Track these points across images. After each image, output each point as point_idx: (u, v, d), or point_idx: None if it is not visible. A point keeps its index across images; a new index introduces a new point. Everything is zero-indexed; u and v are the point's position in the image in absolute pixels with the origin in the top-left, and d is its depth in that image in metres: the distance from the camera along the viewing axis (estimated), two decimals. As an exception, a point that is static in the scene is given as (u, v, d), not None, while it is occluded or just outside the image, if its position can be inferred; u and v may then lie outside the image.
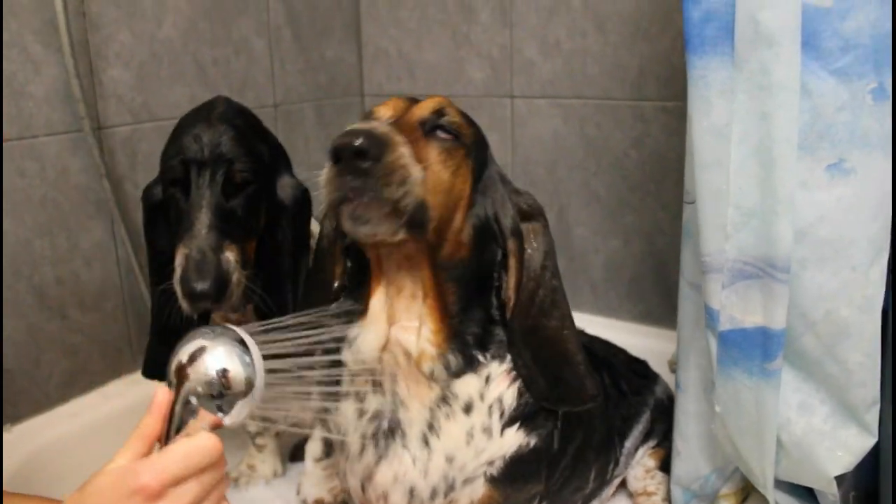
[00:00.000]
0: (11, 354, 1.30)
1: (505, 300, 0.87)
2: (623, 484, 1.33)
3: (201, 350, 0.70)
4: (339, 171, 0.71)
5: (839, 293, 0.88)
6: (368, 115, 0.87)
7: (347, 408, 0.93)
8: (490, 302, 0.86)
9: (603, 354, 1.30)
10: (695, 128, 0.90)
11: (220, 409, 0.70)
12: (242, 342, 0.72)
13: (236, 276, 1.01)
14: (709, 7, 0.86)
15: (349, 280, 0.91)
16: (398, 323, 0.85)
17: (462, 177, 0.82)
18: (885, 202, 0.85)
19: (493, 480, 0.90)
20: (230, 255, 1.01)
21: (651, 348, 1.47)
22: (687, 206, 1.03)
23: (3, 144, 1.24)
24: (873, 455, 0.95)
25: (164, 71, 1.47)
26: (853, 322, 0.88)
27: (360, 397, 0.92)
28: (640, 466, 1.31)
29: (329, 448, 1.13)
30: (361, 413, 0.92)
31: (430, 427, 0.87)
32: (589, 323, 1.40)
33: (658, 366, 1.41)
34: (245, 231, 1.05)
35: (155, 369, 1.18)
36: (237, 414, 0.71)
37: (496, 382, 0.88)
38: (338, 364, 0.87)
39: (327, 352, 0.84)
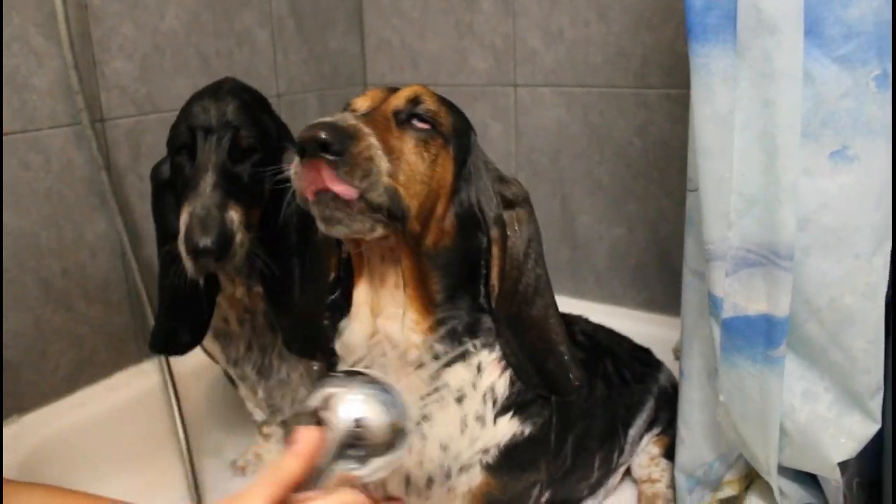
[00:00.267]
0: (18, 346, 1.31)
1: (491, 289, 0.86)
2: (628, 471, 1.34)
3: (362, 400, 0.66)
4: (306, 167, 0.70)
5: (843, 281, 0.88)
6: (346, 107, 0.86)
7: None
8: (478, 290, 0.86)
9: (607, 343, 1.31)
10: (697, 116, 0.90)
11: (361, 462, 0.66)
12: (386, 391, 0.68)
13: (240, 236, 1.02)
14: (711, -6, 0.86)
15: (344, 270, 0.91)
16: (383, 313, 0.84)
17: (442, 166, 0.80)
18: (888, 189, 0.85)
19: (489, 468, 0.90)
20: (234, 215, 1.02)
21: (655, 336, 1.47)
22: (690, 193, 1.02)
23: (6, 138, 1.24)
24: (877, 442, 0.95)
25: (168, 62, 1.47)
26: (857, 309, 0.88)
27: None
28: (644, 454, 1.32)
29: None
30: None
31: (424, 416, 0.87)
32: (593, 311, 1.41)
33: (662, 353, 1.41)
34: (250, 197, 1.06)
35: (163, 343, 1.19)
36: (378, 469, 0.67)
37: (488, 371, 0.88)
38: None
39: None
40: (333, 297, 0.91)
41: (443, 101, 0.85)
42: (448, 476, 0.90)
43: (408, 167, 0.76)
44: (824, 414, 0.95)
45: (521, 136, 1.76)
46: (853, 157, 0.83)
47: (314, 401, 0.68)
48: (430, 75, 1.85)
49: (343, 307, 0.88)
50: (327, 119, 0.72)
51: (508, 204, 0.87)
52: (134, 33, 1.42)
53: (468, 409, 0.88)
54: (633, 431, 1.29)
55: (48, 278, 1.34)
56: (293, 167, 0.73)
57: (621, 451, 1.28)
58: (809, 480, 1.03)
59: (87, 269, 1.40)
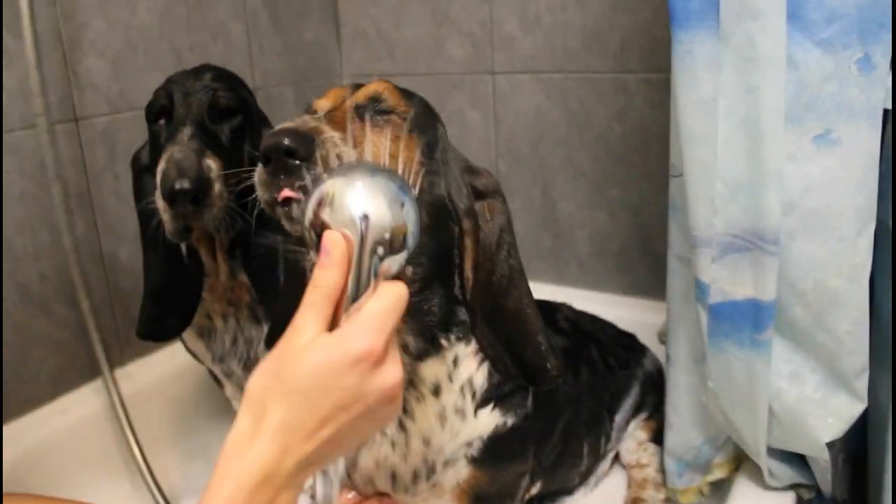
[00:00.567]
0: (-3, 353, 1.29)
1: (465, 280, 0.86)
2: (618, 457, 1.35)
3: (390, 195, 0.62)
4: (270, 172, 0.69)
5: (827, 263, 0.88)
6: (308, 108, 0.86)
7: None
8: (452, 281, 0.85)
9: (591, 329, 1.31)
10: (681, 102, 0.90)
11: (382, 256, 0.62)
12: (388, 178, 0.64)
13: (218, 186, 1.00)
14: (693, -19, 0.86)
15: None
16: None
17: (407, 150, 0.80)
18: (871, 172, 0.85)
19: (474, 462, 0.90)
20: (212, 164, 1.01)
21: (640, 320, 1.48)
22: (673, 179, 1.03)
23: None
24: (861, 418, 0.96)
25: (141, 59, 1.45)
26: (842, 292, 0.89)
27: None
28: (632, 439, 1.33)
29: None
30: None
31: (404, 411, 0.87)
32: (576, 297, 1.41)
33: (647, 338, 1.42)
34: (229, 157, 1.05)
35: (151, 329, 1.18)
36: (398, 263, 0.64)
37: (465, 364, 0.87)
38: None
39: None
40: None
41: (406, 95, 0.84)
42: (433, 471, 0.90)
43: (371, 155, 0.76)
44: (811, 395, 0.96)
45: (500, 124, 1.75)
46: (836, 140, 0.84)
47: (314, 198, 0.63)
48: (407, 64, 1.83)
49: None
50: (289, 125, 0.71)
51: (480, 195, 0.86)
52: (105, 29, 1.39)
53: (446, 402, 0.87)
54: (619, 417, 1.30)
55: (25, 283, 1.32)
56: (257, 175, 0.71)
57: (608, 438, 1.29)
58: (798, 461, 1.04)
59: (64, 273, 1.37)
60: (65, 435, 1.33)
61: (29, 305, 1.32)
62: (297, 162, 0.68)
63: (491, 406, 0.90)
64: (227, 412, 1.43)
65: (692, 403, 1.10)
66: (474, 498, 0.93)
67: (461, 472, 0.90)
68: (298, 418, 0.59)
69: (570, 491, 1.27)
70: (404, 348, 0.83)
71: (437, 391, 0.87)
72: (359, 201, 0.61)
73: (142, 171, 1.13)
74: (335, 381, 0.59)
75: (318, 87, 1.86)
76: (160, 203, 1.00)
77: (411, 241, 0.64)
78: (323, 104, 0.84)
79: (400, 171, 0.70)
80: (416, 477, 0.90)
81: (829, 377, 0.95)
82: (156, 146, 1.07)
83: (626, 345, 1.37)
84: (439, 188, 0.82)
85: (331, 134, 0.72)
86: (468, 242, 0.83)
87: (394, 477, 0.90)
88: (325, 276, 0.62)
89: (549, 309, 1.24)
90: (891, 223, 0.88)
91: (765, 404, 0.96)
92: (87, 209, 1.39)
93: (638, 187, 1.62)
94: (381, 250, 0.62)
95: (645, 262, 1.66)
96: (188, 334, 1.23)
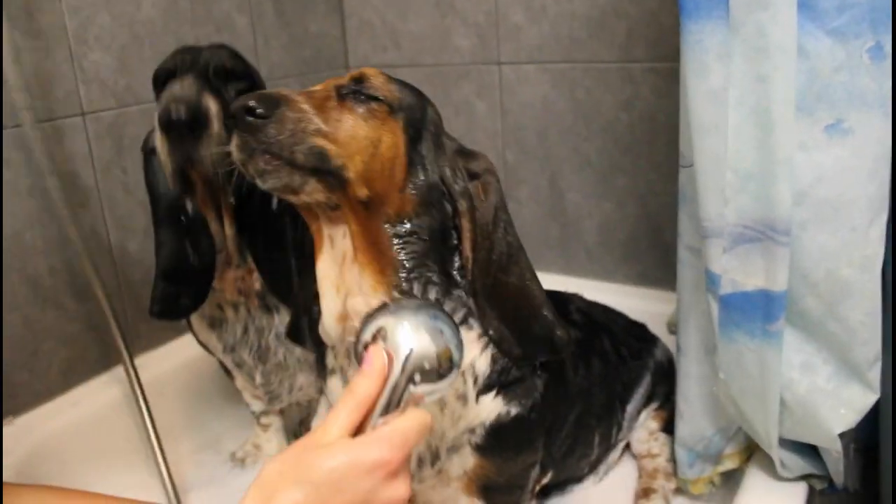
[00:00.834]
0: (9, 347, 1.29)
1: (465, 261, 0.86)
2: (628, 447, 1.35)
3: (434, 328, 0.70)
4: (237, 134, 0.75)
5: (839, 253, 0.88)
6: None
7: (334, 384, 0.93)
8: (450, 264, 0.86)
9: (602, 320, 1.31)
10: (691, 93, 0.89)
11: (418, 385, 0.69)
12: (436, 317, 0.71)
13: (217, 126, 1.00)
14: (702, -30, 0.85)
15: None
16: (350, 291, 0.84)
17: (389, 133, 0.81)
18: (883, 162, 0.85)
19: (479, 449, 0.90)
20: (212, 105, 1.01)
21: (648, 310, 1.48)
22: (683, 169, 1.02)
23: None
24: (873, 409, 0.96)
25: (147, 53, 1.44)
26: (854, 281, 0.88)
27: (343, 372, 0.92)
28: (643, 429, 1.33)
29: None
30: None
31: None
32: (585, 287, 1.41)
33: (656, 327, 1.41)
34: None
35: (164, 309, 1.18)
36: (434, 392, 0.70)
37: (466, 349, 0.87)
38: None
39: None
40: None
41: (391, 80, 0.85)
42: (437, 456, 0.90)
43: (348, 130, 0.79)
44: (823, 386, 0.95)
45: (506, 114, 1.74)
46: (848, 130, 0.83)
47: (367, 335, 0.71)
48: (413, 55, 1.83)
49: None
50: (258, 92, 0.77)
51: (473, 175, 0.87)
52: (110, 24, 1.39)
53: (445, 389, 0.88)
54: (630, 407, 1.30)
55: (35, 277, 1.32)
56: (231, 141, 0.76)
57: (619, 428, 1.29)
58: (810, 451, 1.04)
59: (74, 267, 1.38)
60: (76, 427, 1.34)
61: (39, 299, 1.33)
62: (260, 120, 0.73)
63: (494, 393, 0.89)
64: (237, 404, 1.43)
65: (703, 393, 1.10)
66: (482, 488, 0.94)
67: (467, 460, 0.91)
68: (286, 493, 0.61)
69: (578, 479, 1.28)
70: None
71: None
72: (407, 338, 0.70)
73: (151, 152, 1.12)
74: (348, 483, 0.62)
75: (323, 79, 1.84)
76: (158, 140, 1.00)
77: (453, 366, 0.71)
78: (315, 89, 0.85)
79: (379, 160, 0.79)
80: (420, 463, 0.90)
81: (841, 367, 0.94)
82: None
83: (637, 335, 1.36)
84: (431, 169, 0.84)
85: (299, 101, 0.76)
86: (465, 223, 0.85)
87: None
88: (363, 385, 0.67)
89: (560, 300, 1.24)
90: (903, 212, 0.88)
91: (776, 395, 0.96)
92: (96, 203, 1.39)
93: (645, 177, 1.62)
94: (417, 377, 0.68)
95: (653, 252, 1.66)
96: (199, 326, 1.23)
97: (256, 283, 1.17)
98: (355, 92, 0.82)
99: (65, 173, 1.34)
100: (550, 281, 1.49)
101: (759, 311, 0.93)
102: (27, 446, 1.26)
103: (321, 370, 0.96)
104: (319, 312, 0.86)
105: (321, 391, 1.22)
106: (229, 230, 1.14)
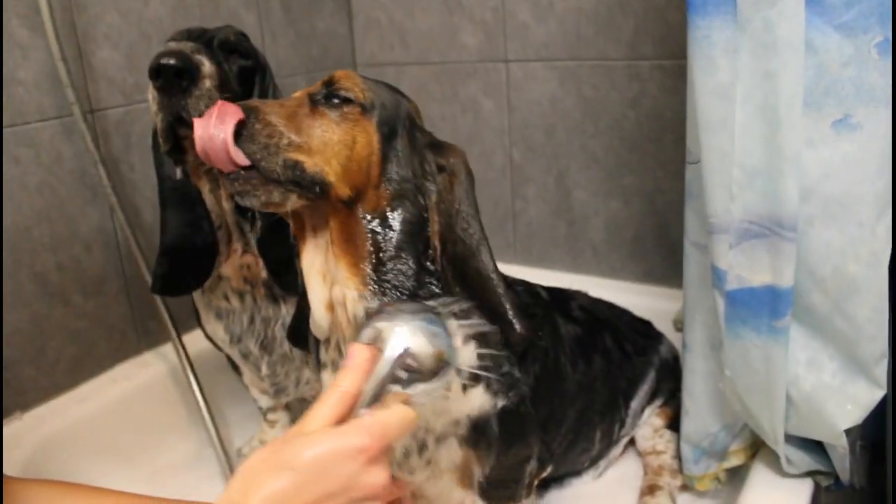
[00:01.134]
0: (16, 343, 1.30)
1: (433, 254, 0.88)
2: (632, 443, 1.35)
3: (429, 330, 0.71)
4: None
5: (846, 249, 0.88)
6: None
7: (327, 378, 0.94)
8: (426, 256, 0.87)
9: (606, 317, 1.31)
10: (698, 89, 0.89)
11: (407, 385, 0.71)
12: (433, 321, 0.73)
13: (209, 84, 1.00)
14: (710, -34, 0.85)
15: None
16: (336, 279, 0.85)
17: (363, 133, 0.83)
18: (891, 157, 0.85)
19: (466, 442, 0.91)
20: (206, 67, 1.01)
21: (655, 307, 1.47)
22: (689, 166, 1.02)
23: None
24: (879, 405, 0.96)
25: (154, 50, 1.44)
26: (861, 278, 0.88)
27: (335, 366, 0.93)
28: (647, 426, 1.33)
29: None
30: None
31: None
32: (591, 285, 1.41)
33: (662, 325, 1.41)
34: (227, 83, 1.05)
35: (166, 285, 1.19)
36: (424, 394, 0.71)
37: None
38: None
39: None
40: None
41: (363, 80, 0.87)
42: (424, 447, 0.90)
43: (321, 136, 0.80)
44: (829, 382, 0.95)
45: (513, 111, 1.74)
46: (856, 125, 0.83)
47: (365, 336, 0.72)
48: (420, 53, 1.83)
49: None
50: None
51: (442, 169, 0.88)
52: (119, 21, 1.39)
53: None
54: (634, 403, 1.30)
55: (43, 273, 1.33)
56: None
57: (623, 424, 1.29)
58: (815, 447, 1.03)
59: (82, 263, 1.38)
60: (83, 423, 1.34)
61: (47, 295, 1.34)
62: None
63: (481, 386, 0.90)
64: (245, 400, 1.44)
65: (709, 390, 1.10)
66: (476, 482, 0.94)
67: (455, 452, 0.91)
68: (286, 493, 0.62)
69: (577, 473, 1.28)
70: (367, 313, 0.84)
71: None
72: (400, 338, 0.71)
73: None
74: (329, 468, 0.63)
75: (330, 77, 1.85)
76: (150, 94, 1.01)
77: (446, 367, 0.72)
78: (287, 99, 0.87)
79: (356, 160, 0.82)
80: (407, 453, 0.91)
81: (847, 364, 0.94)
82: None
83: (642, 331, 1.36)
84: (402, 164, 0.85)
85: (268, 112, 0.78)
86: (433, 216, 0.86)
87: None
88: (345, 378, 0.69)
89: (563, 297, 1.24)
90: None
91: (782, 391, 0.96)
92: (103, 200, 1.40)
93: (652, 174, 1.61)
94: (408, 377, 0.70)
95: (659, 250, 1.66)
96: (206, 318, 1.24)
97: (263, 271, 1.17)
98: (327, 96, 0.83)
99: (75, 170, 1.35)
100: (557, 278, 1.50)
101: (765, 307, 0.93)
102: (34, 442, 1.27)
103: (317, 366, 0.97)
104: (308, 304, 0.88)
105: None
106: (226, 203, 1.14)
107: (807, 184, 0.86)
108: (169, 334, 1.39)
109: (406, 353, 0.70)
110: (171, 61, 0.96)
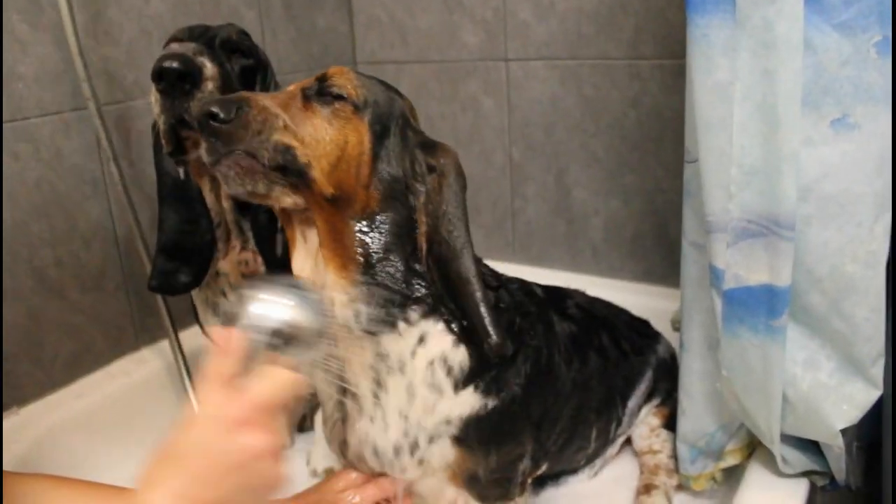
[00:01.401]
0: (13, 338, 1.30)
1: (419, 251, 0.87)
2: (629, 442, 1.35)
3: (276, 299, 0.73)
4: (204, 139, 0.77)
5: (844, 249, 0.88)
6: None
7: (319, 374, 0.94)
8: (415, 257, 0.87)
9: (603, 315, 1.31)
10: (697, 87, 0.89)
11: (278, 351, 0.73)
12: (314, 300, 0.75)
13: (211, 85, 1.01)
14: (708, -36, 0.85)
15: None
16: (324, 284, 0.85)
17: (354, 131, 0.83)
18: (889, 157, 0.84)
19: (458, 441, 0.91)
20: (208, 68, 1.01)
21: (654, 307, 1.47)
22: (688, 165, 1.02)
23: (-5, 127, 1.23)
24: (876, 406, 0.95)
25: (155, 47, 1.45)
26: (858, 278, 0.88)
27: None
28: (644, 425, 1.32)
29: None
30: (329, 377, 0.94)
31: (378, 383, 0.89)
32: (590, 284, 1.41)
33: (660, 324, 1.41)
34: (228, 83, 1.05)
35: (163, 283, 1.19)
36: (297, 357, 0.73)
37: (435, 341, 0.88)
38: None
39: None
40: None
41: (358, 76, 0.86)
42: (416, 445, 0.90)
43: (312, 130, 0.80)
44: (826, 382, 0.95)
45: (514, 110, 1.74)
46: (854, 125, 0.83)
47: (232, 304, 0.75)
48: (421, 52, 1.83)
49: None
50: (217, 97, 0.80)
51: (432, 169, 0.88)
52: (119, 18, 1.39)
53: (411, 378, 0.88)
54: (631, 403, 1.30)
55: (41, 268, 1.33)
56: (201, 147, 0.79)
57: (619, 423, 1.28)
58: (812, 447, 1.03)
59: (80, 258, 1.38)
60: (81, 419, 1.34)
61: (45, 290, 1.33)
62: (224, 125, 0.75)
63: (472, 386, 0.90)
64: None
65: (706, 389, 1.10)
66: (468, 479, 0.94)
67: (447, 451, 0.91)
68: (185, 486, 0.65)
69: (573, 471, 1.28)
70: (356, 317, 0.84)
71: (402, 366, 0.88)
72: (266, 311, 0.73)
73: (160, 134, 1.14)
74: (211, 444, 0.66)
75: (331, 75, 1.85)
76: (152, 96, 1.01)
77: (309, 334, 0.73)
78: (280, 92, 0.87)
79: (345, 159, 0.81)
80: (397, 451, 0.91)
81: (844, 364, 0.94)
82: None
83: (639, 330, 1.36)
84: (393, 164, 0.85)
85: (262, 100, 0.78)
86: (420, 217, 0.86)
87: (375, 451, 0.92)
88: (213, 364, 0.70)
89: (560, 295, 1.24)
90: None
91: (779, 391, 0.96)
92: (102, 196, 1.40)
93: (652, 174, 1.61)
94: (274, 341, 0.71)
95: (659, 249, 1.66)
96: (204, 314, 1.24)
97: (261, 267, 1.17)
98: (320, 92, 0.83)
99: (75, 166, 1.35)
100: (556, 278, 1.50)
101: (762, 306, 0.92)
102: (31, 437, 1.27)
103: None
104: None
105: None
106: (226, 202, 1.14)
107: (805, 183, 0.86)
108: (167, 331, 1.39)
109: (273, 321, 0.72)
110: (174, 65, 0.97)
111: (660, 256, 1.66)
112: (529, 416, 0.99)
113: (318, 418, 1.34)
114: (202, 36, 1.07)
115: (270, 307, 0.73)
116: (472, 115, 1.79)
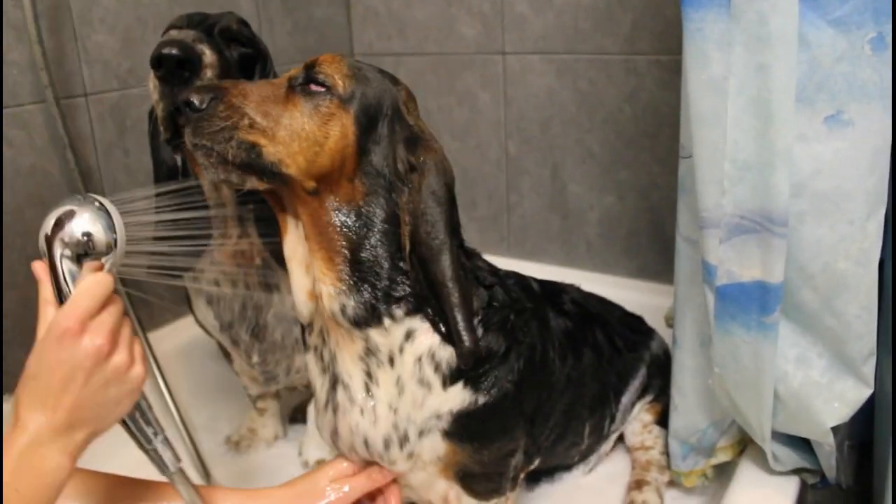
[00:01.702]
0: (6, 325, 1.29)
1: (403, 248, 0.86)
2: (622, 438, 1.35)
3: (69, 214, 0.76)
4: (185, 127, 0.78)
5: (837, 246, 0.88)
6: None
7: (311, 363, 0.94)
8: (399, 253, 0.86)
9: (597, 311, 1.30)
10: (691, 82, 0.89)
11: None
12: (104, 208, 0.78)
13: (210, 72, 1.00)
14: (704, -42, 0.85)
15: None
16: (314, 274, 0.85)
17: (339, 126, 0.81)
18: (883, 154, 0.84)
19: (448, 436, 0.91)
20: (208, 56, 1.00)
21: (648, 303, 1.47)
22: (682, 160, 1.02)
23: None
24: (867, 405, 0.96)
25: (150, 35, 1.44)
26: (851, 275, 0.88)
27: (317, 350, 0.93)
28: (637, 421, 1.32)
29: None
30: (322, 367, 0.94)
31: (369, 376, 0.89)
32: (585, 280, 1.40)
33: (654, 321, 1.41)
34: (227, 70, 1.05)
35: None
36: (112, 261, 0.78)
37: (422, 337, 0.87)
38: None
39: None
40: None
41: (348, 65, 0.85)
42: (406, 439, 0.90)
43: (289, 128, 0.79)
44: (817, 379, 0.95)
45: (510, 104, 1.74)
46: (848, 121, 0.83)
47: (51, 220, 0.77)
48: (418, 44, 1.83)
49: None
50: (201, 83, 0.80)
51: (413, 167, 0.86)
52: (115, 5, 1.39)
53: (400, 372, 0.88)
54: (625, 399, 1.30)
55: (35, 256, 1.32)
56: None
57: (612, 419, 1.28)
58: (803, 445, 1.03)
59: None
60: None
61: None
62: (196, 114, 0.76)
63: (462, 383, 0.90)
64: (234, 388, 1.43)
65: (698, 386, 1.10)
66: (459, 473, 0.94)
67: (438, 445, 0.91)
68: (26, 394, 0.74)
69: (567, 467, 1.28)
70: (342, 310, 0.84)
71: (391, 360, 0.88)
72: (47, 227, 0.77)
73: (157, 120, 1.13)
74: (50, 359, 0.72)
75: (328, 66, 1.85)
76: (151, 83, 1.01)
77: (103, 242, 0.77)
78: (267, 81, 0.87)
79: (327, 153, 0.81)
80: (387, 444, 0.91)
81: (835, 361, 0.94)
82: None
83: (633, 327, 1.36)
84: (378, 159, 0.84)
85: (236, 93, 0.78)
86: (404, 216, 0.85)
87: (366, 443, 0.92)
88: (40, 294, 0.76)
89: (555, 290, 1.24)
90: (902, 206, 0.87)
91: (770, 388, 0.95)
92: (97, 184, 1.39)
93: (648, 170, 1.61)
94: (69, 252, 0.76)
95: (653, 245, 1.65)
96: (197, 304, 1.23)
97: (257, 258, 1.17)
98: (305, 81, 0.82)
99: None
100: (550, 273, 1.49)
101: (755, 302, 0.92)
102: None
103: (304, 348, 0.98)
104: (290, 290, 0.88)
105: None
106: (227, 190, 1.14)
107: (798, 179, 0.86)
108: (162, 319, 1.39)
109: (88, 235, 0.76)
110: (173, 51, 0.96)
111: (654, 252, 1.66)
112: (522, 412, 0.99)
113: (311, 410, 1.34)
114: (201, 24, 1.07)
115: (70, 222, 0.76)
116: (468, 108, 1.79)
